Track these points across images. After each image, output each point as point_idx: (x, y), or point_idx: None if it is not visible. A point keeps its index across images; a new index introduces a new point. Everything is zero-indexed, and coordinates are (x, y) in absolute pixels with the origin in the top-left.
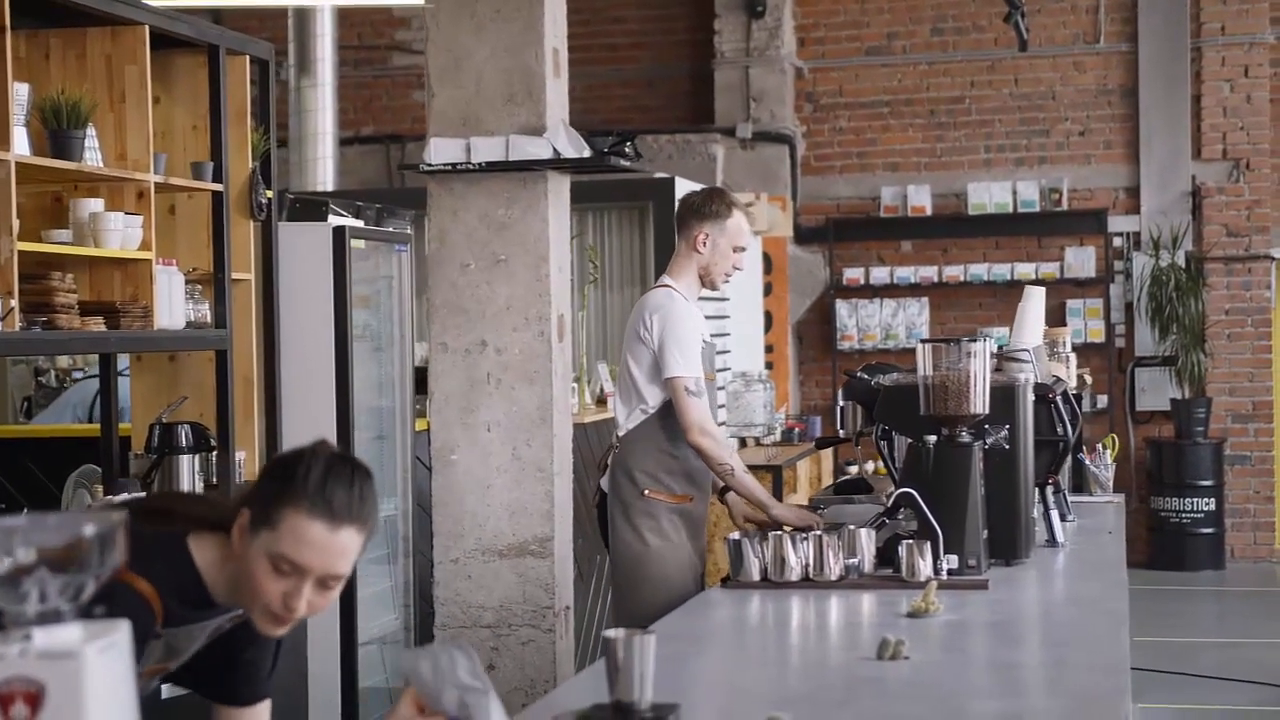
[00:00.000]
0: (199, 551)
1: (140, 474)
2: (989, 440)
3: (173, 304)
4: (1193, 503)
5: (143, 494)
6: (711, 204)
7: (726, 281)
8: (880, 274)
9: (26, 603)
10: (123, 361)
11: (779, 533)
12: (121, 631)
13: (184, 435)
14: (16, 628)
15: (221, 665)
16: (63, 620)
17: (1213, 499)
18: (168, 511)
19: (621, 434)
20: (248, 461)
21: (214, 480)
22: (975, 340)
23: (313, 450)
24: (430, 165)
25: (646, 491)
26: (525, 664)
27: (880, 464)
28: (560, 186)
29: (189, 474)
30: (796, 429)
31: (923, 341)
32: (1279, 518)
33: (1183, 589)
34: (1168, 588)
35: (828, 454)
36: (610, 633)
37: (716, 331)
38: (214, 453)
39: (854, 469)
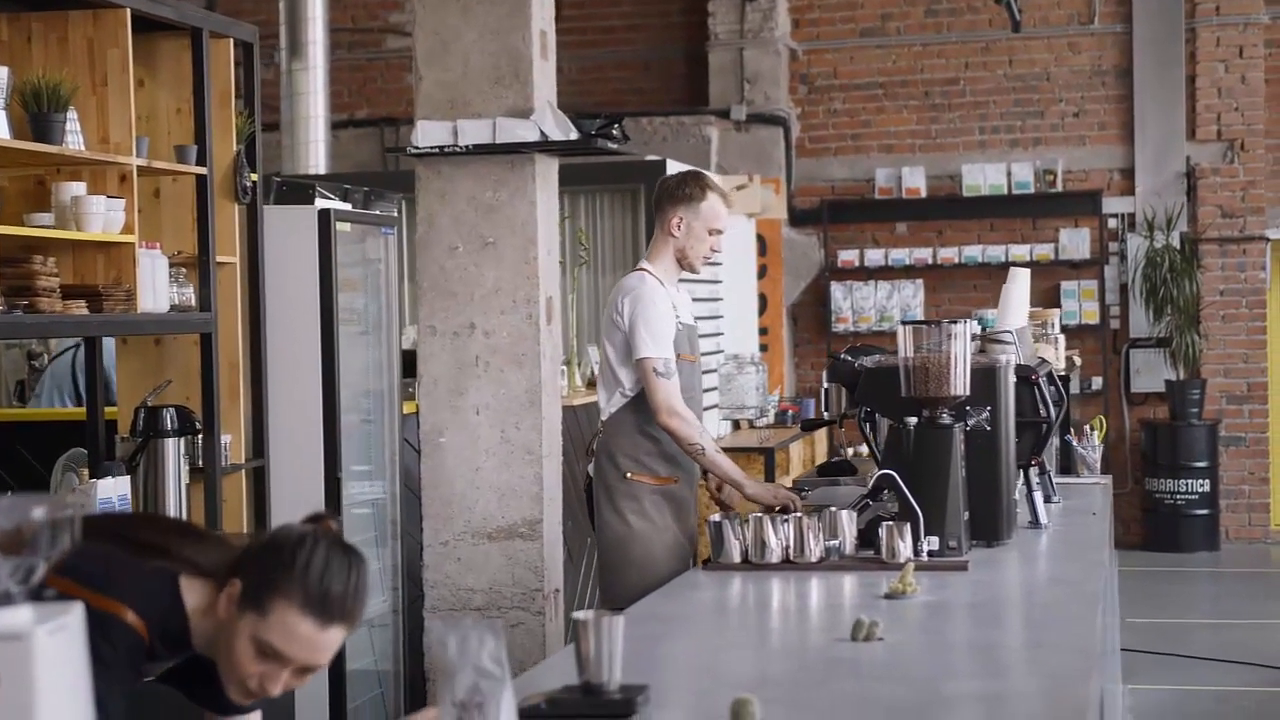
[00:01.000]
0: (189, 594)
1: (125, 457)
2: (970, 422)
3: (156, 287)
4: (1187, 484)
5: (133, 512)
6: (685, 187)
7: (707, 263)
8: (875, 256)
9: None
10: (109, 344)
11: (759, 514)
12: (73, 614)
13: (169, 418)
14: None
15: (209, 675)
16: (13, 602)
17: (1207, 480)
18: (164, 549)
19: (603, 419)
20: (233, 445)
21: (199, 463)
22: (956, 322)
23: (314, 537)
24: (417, 148)
25: (629, 474)
26: (515, 647)
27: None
28: (548, 169)
29: (174, 457)
30: (790, 411)
31: (903, 323)
32: (1274, 499)
33: (1177, 570)
34: (1162, 569)
35: (821, 436)
36: (579, 615)
37: (710, 314)
38: (199, 436)
39: (849, 451)
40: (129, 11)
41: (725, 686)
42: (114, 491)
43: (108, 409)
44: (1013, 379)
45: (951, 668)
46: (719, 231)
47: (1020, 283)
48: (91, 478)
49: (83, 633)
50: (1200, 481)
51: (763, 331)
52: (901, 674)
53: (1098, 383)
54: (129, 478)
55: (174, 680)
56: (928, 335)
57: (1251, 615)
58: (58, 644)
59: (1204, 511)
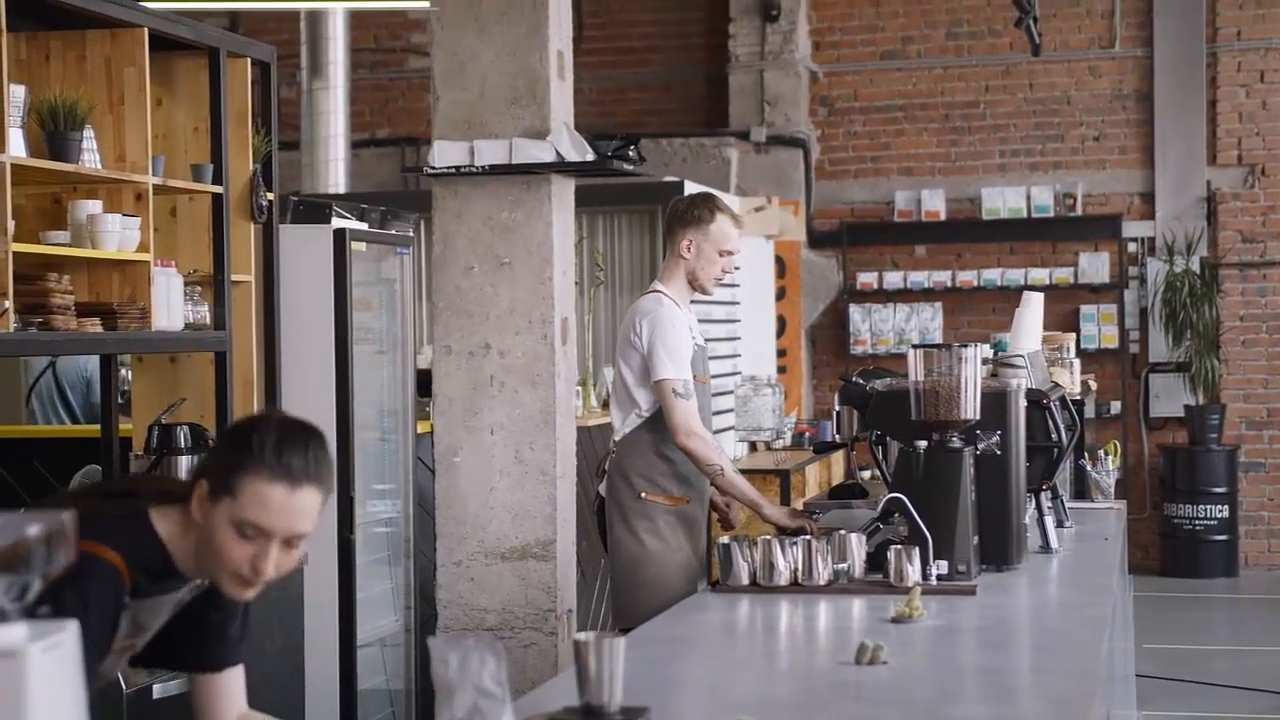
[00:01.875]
0: (161, 524)
1: (140, 474)
2: (980, 446)
3: (171, 305)
4: (1206, 509)
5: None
6: (694, 209)
7: (719, 285)
8: (894, 278)
9: None
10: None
11: (768, 537)
12: (68, 631)
13: (183, 436)
14: None
15: (189, 633)
16: (6, 620)
17: (1226, 506)
18: (131, 491)
19: (617, 439)
20: None
21: None
22: (966, 346)
23: (265, 418)
24: (434, 168)
25: (643, 494)
26: (527, 667)
27: None
28: (564, 190)
29: (187, 475)
30: (808, 434)
31: (914, 347)
32: None
33: (1195, 596)
34: (1180, 594)
35: (839, 459)
36: (580, 636)
37: (727, 335)
38: None
39: (867, 474)
40: (147, 31)
41: (728, 709)
42: None
43: (122, 426)
44: (1024, 403)
45: (954, 692)
46: (729, 253)
47: (1034, 307)
48: None
49: (78, 650)
50: (1219, 507)
51: (781, 353)
52: (904, 698)
53: (1116, 407)
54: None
55: (156, 657)
56: (938, 359)
57: (1270, 642)
58: (52, 661)
59: (1223, 537)
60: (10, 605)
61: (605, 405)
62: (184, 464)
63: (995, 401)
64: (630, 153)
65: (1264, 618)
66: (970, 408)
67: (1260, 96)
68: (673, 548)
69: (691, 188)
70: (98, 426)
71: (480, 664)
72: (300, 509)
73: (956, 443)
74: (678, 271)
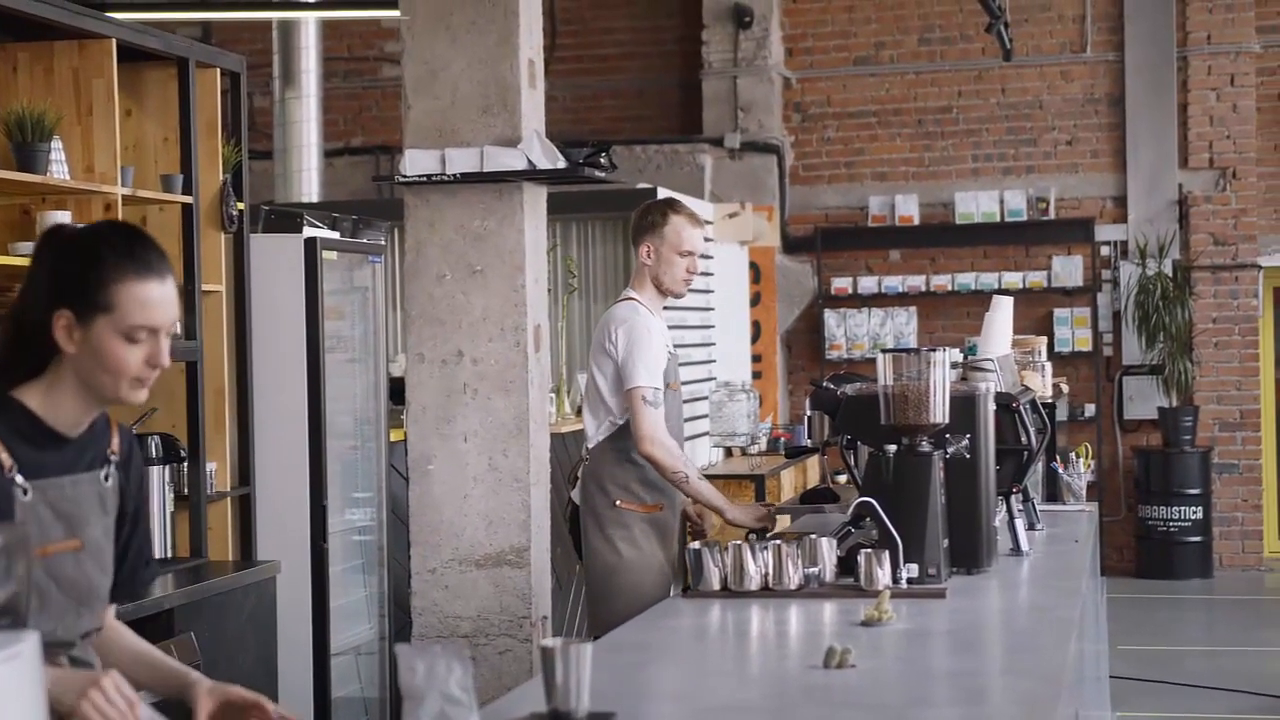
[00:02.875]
0: (26, 398)
1: None
2: (949, 450)
3: None
4: (1180, 511)
5: None
6: (649, 216)
7: (688, 287)
8: (868, 283)
9: None
10: None
11: (738, 542)
12: (28, 643)
13: (154, 446)
14: None
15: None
16: None
17: (1200, 507)
18: None
19: (590, 445)
20: (219, 472)
21: (185, 491)
22: (935, 350)
23: (93, 230)
24: (406, 177)
25: (618, 502)
26: (503, 674)
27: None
28: (536, 197)
29: (159, 485)
30: (784, 438)
31: (883, 351)
32: (1267, 526)
33: (1170, 597)
34: (1155, 596)
35: (814, 463)
36: (546, 642)
37: (701, 341)
38: (184, 464)
39: (843, 478)
40: (115, 42)
41: (694, 714)
42: None
43: None
44: (992, 407)
45: (922, 695)
46: (689, 253)
47: (1003, 310)
48: None
49: (38, 661)
50: (1193, 508)
51: (756, 359)
52: (873, 701)
53: (1091, 410)
54: None
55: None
56: (907, 363)
57: (1244, 642)
58: (11, 673)
59: (1197, 539)
60: None
61: (579, 412)
62: (155, 474)
63: (964, 405)
64: (602, 160)
65: (1238, 618)
66: (939, 411)
67: (1230, 100)
68: (647, 555)
69: (665, 194)
70: None
71: (447, 671)
72: (171, 297)
73: (926, 446)
74: (644, 278)
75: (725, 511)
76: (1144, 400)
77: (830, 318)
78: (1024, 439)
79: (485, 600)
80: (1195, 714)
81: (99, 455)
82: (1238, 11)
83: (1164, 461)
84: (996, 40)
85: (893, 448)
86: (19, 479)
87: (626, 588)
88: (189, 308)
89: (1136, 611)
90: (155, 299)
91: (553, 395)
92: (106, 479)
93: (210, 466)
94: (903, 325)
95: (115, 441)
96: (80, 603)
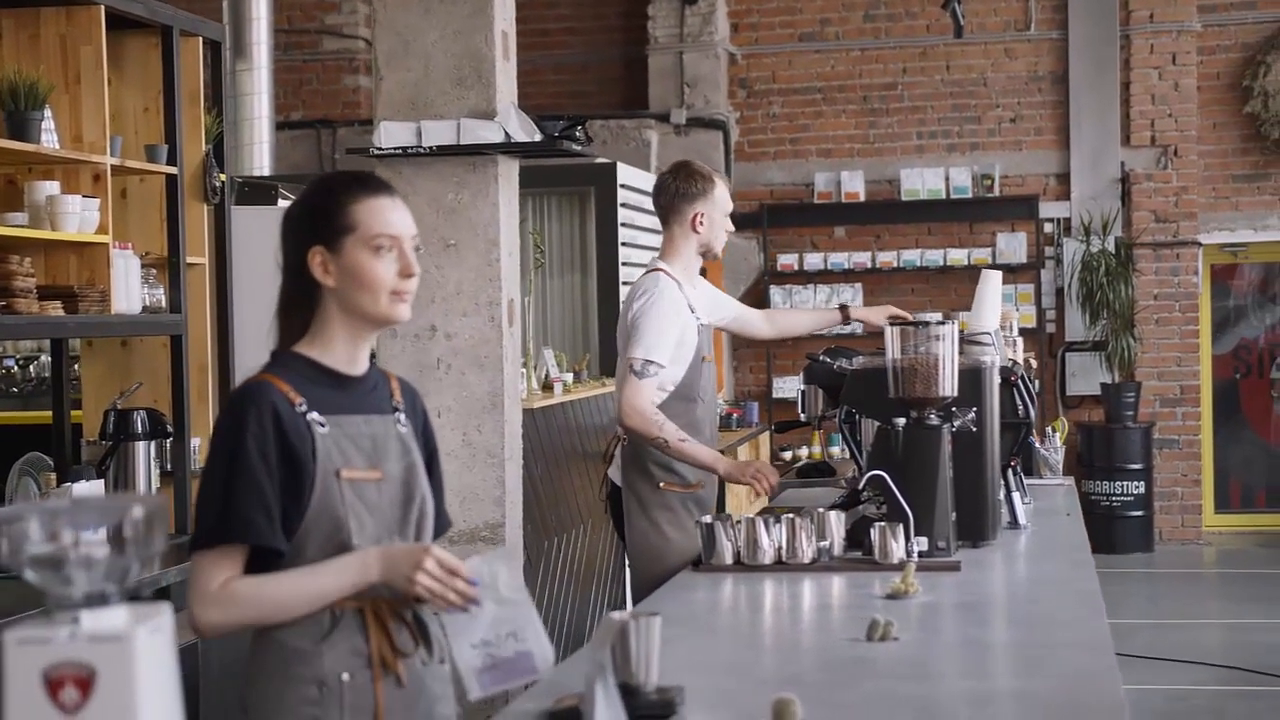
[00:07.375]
0: (303, 349)
1: (95, 460)
2: (957, 423)
3: (129, 288)
4: (1122, 486)
5: None
6: (696, 183)
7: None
8: (814, 260)
9: (72, 585)
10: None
11: (751, 516)
12: (165, 615)
13: (140, 421)
14: (63, 611)
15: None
16: (109, 603)
17: (1142, 482)
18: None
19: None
20: (203, 448)
21: (169, 467)
22: (943, 323)
23: (319, 179)
24: (380, 149)
25: (662, 484)
26: None
27: (819, 449)
28: (510, 171)
29: (144, 461)
30: (735, 415)
31: (891, 323)
32: (1205, 500)
33: (1113, 571)
34: (1099, 570)
35: (764, 439)
36: (616, 615)
37: None
38: (169, 439)
39: (805, 452)
40: (103, 9)
41: (755, 686)
42: (90, 494)
43: (73, 412)
44: (997, 380)
45: (975, 666)
46: (729, 213)
47: (993, 284)
48: (62, 482)
49: (174, 633)
50: (1135, 483)
51: None
52: (923, 672)
53: (1035, 386)
54: (102, 481)
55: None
56: (915, 336)
57: (1188, 614)
58: (155, 644)
59: (1139, 513)
60: (112, 588)
61: (546, 388)
62: (140, 449)
63: (970, 378)
64: (577, 134)
65: (1180, 592)
66: (948, 384)
67: (1172, 78)
68: (691, 535)
69: (625, 170)
70: (49, 413)
71: (494, 576)
72: (404, 210)
73: (934, 420)
74: (687, 247)
75: (718, 469)
76: (1087, 376)
77: (776, 294)
78: (1022, 412)
79: None
80: (1139, 685)
81: (385, 401)
82: None
83: (1106, 437)
84: (950, 17)
85: (902, 421)
86: (314, 415)
87: (675, 569)
88: (173, 282)
89: None
90: (388, 210)
91: (522, 371)
92: (399, 424)
93: (195, 441)
94: (849, 301)
95: (397, 393)
96: (389, 532)
